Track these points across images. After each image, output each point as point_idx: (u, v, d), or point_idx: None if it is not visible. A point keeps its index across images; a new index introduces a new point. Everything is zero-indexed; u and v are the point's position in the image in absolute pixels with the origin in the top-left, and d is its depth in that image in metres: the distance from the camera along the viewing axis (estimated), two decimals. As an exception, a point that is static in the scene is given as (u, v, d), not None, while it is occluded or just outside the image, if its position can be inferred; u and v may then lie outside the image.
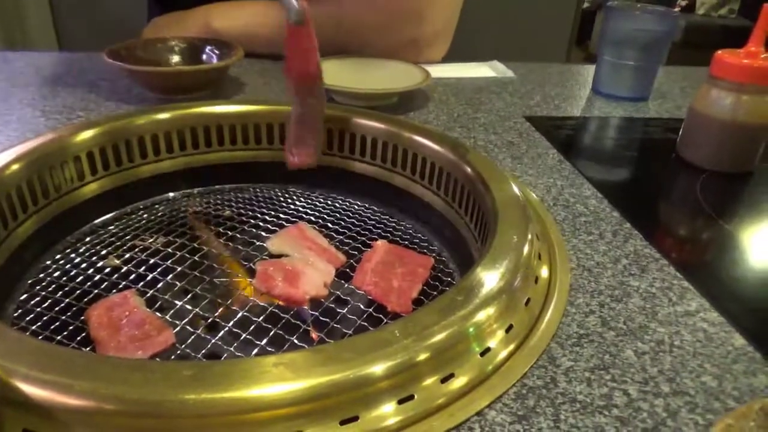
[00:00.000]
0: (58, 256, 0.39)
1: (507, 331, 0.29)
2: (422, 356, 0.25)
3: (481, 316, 0.28)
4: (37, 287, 0.36)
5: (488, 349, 0.28)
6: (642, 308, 0.33)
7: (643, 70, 0.71)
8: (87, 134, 0.42)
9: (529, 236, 0.34)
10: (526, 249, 0.33)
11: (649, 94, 0.73)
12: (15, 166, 0.37)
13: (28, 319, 0.33)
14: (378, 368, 0.24)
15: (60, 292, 0.35)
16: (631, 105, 0.70)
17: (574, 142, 0.58)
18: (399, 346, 0.25)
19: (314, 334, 0.35)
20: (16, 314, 0.34)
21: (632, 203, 0.46)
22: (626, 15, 0.69)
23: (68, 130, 0.42)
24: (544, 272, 0.35)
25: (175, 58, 0.65)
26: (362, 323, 0.34)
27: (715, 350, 0.30)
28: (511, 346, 0.29)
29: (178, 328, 0.32)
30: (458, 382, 0.26)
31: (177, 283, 0.35)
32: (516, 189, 0.39)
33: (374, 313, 0.35)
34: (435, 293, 0.37)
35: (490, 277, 0.30)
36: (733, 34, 3.18)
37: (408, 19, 0.74)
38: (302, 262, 0.38)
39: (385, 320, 0.34)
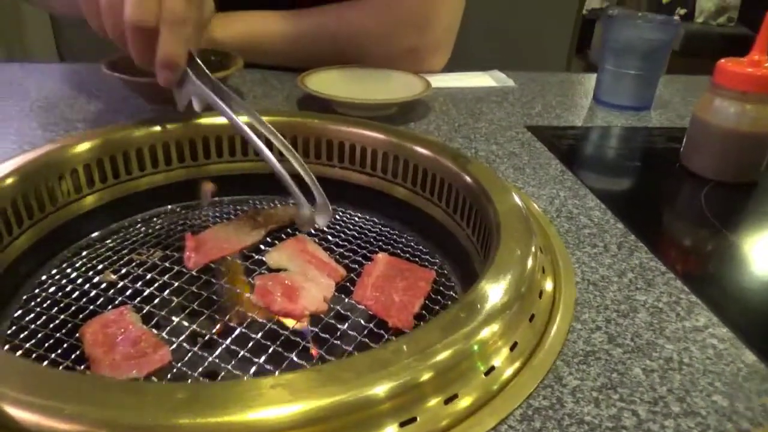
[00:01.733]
0: (54, 271, 0.38)
1: (512, 348, 0.28)
2: (425, 376, 0.24)
3: (486, 333, 0.27)
4: (32, 303, 0.35)
5: (493, 368, 0.27)
6: (649, 324, 0.32)
7: (644, 79, 0.71)
8: (84, 146, 0.41)
9: (533, 249, 0.33)
10: (530, 262, 0.32)
11: (651, 103, 0.73)
12: (10, 180, 0.36)
13: (22, 336, 0.32)
14: (379, 389, 0.23)
15: (55, 308, 0.34)
16: (632, 114, 0.70)
17: (576, 152, 0.57)
18: (401, 366, 0.24)
19: (314, 351, 0.34)
20: (9, 331, 0.33)
21: (637, 214, 0.45)
22: (627, 24, 0.69)
23: (65, 143, 0.41)
24: (548, 286, 0.34)
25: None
26: (363, 339, 0.33)
27: (726, 368, 0.30)
28: (516, 364, 0.28)
29: (174, 346, 0.31)
30: (462, 403, 0.25)
31: (174, 298, 0.35)
32: (518, 200, 0.38)
33: (375, 329, 0.34)
34: (437, 308, 0.37)
35: (493, 292, 0.29)
36: (732, 42, 3.19)
37: (408, 29, 0.74)
38: (301, 276, 0.37)
39: (386, 336, 0.34)
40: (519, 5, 1.39)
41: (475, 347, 0.26)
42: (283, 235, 0.42)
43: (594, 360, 0.29)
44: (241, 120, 0.40)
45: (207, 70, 0.43)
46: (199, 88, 0.42)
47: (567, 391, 0.27)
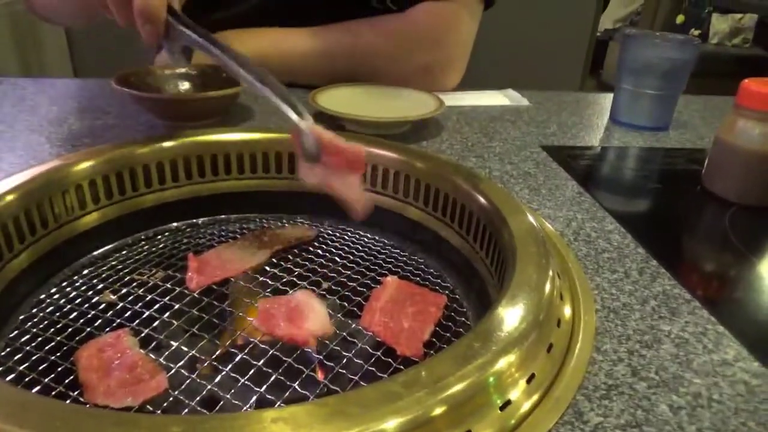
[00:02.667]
0: (53, 290, 0.37)
1: (529, 381, 0.26)
2: (437, 411, 0.23)
3: (502, 364, 0.25)
4: (29, 323, 0.34)
5: (509, 402, 0.25)
6: (675, 356, 0.30)
7: (663, 99, 0.69)
8: (90, 162, 0.40)
9: (551, 273, 0.32)
10: (547, 288, 0.31)
11: (670, 123, 0.71)
12: (11, 196, 0.36)
13: (16, 358, 0.31)
14: (388, 425, 0.22)
15: (52, 329, 0.33)
16: (651, 135, 0.68)
17: (593, 173, 0.56)
18: (411, 400, 0.23)
19: (320, 376, 0.33)
20: (3, 353, 0.32)
21: (658, 239, 0.44)
22: (646, 43, 0.68)
23: (71, 158, 0.40)
24: (567, 313, 0.32)
25: (186, 85, 0.65)
26: (369, 368, 0.32)
27: (759, 406, 0.28)
28: (534, 398, 0.26)
29: (172, 371, 0.30)
30: (476, 441, 0.23)
31: (174, 321, 0.33)
32: (534, 222, 0.37)
33: (383, 357, 0.32)
34: (447, 335, 0.35)
35: (509, 320, 0.28)
36: (747, 63, 3.17)
37: (422, 47, 0.74)
38: (306, 296, 0.36)
39: (394, 365, 0.32)
40: (533, 25, 1.39)
41: (491, 379, 0.25)
42: (289, 257, 0.41)
43: (617, 395, 0.27)
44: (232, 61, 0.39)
45: (189, 20, 0.43)
46: (184, 34, 0.42)
47: (589, 428, 0.25)
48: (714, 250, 0.44)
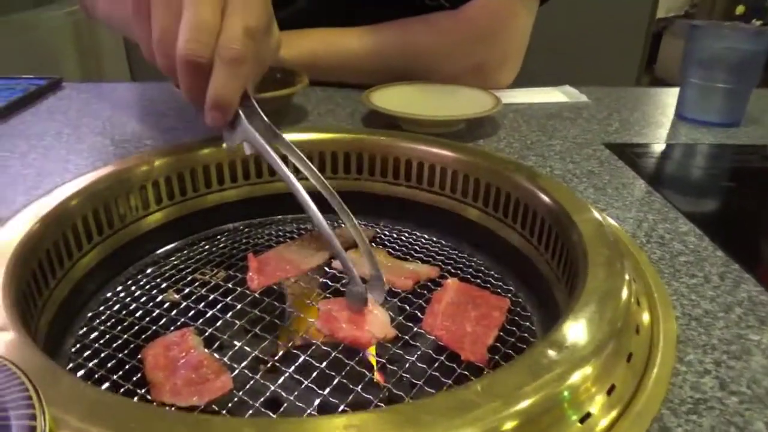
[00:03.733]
0: (119, 288, 0.38)
1: (608, 393, 0.25)
2: (514, 422, 0.22)
3: (580, 375, 0.24)
4: (96, 321, 0.35)
5: (588, 415, 0.24)
6: (767, 369, 0.28)
7: (734, 93, 0.65)
8: (153, 163, 0.41)
9: (626, 277, 0.30)
10: (624, 292, 0.29)
11: (741, 118, 0.67)
12: (81, 196, 0.37)
13: (85, 355, 0.32)
14: (463, 436, 0.21)
15: (119, 327, 0.34)
16: (721, 131, 0.64)
17: (661, 172, 0.53)
18: (487, 410, 0.21)
19: (381, 380, 0.32)
20: (73, 349, 0.32)
21: (738, 241, 0.41)
22: (715, 33, 0.64)
23: (135, 160, 0.41)
24: (645, 320, 0.30)
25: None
26: (433, 373, 0.31)
27: None
28: (614, 413, 0.25)
29: (236, 372, 0.30)
30: (555, 456, 0.22)
31: (236, 321, 0.33)
32: (604, 222, 0.35)
33: (446, 362, 0.31)
34: (512, 340, 0.34)
35: (585, 327, 0.26)
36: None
37: (476, 44, 0.72)
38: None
39: (458, 370, 0.31)
40: (586, 19, 1.35)
41: (569, 391, 0.23)
42: (348, 257, 0.41)
43: (706, 410, 0.25)
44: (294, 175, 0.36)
45: (262, 113, 0.38)
46: (251, 134, 0.37)
47: (677, 446, 0.24)
48: (801, 254, 0.41)
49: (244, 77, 0.37)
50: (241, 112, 0.38)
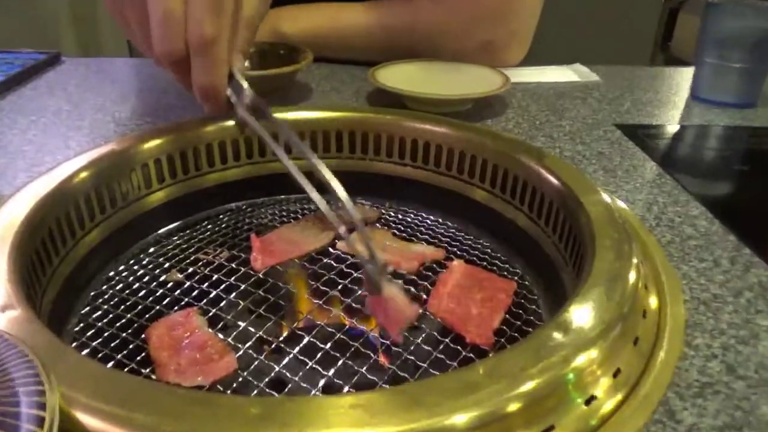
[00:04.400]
0: (122, 267, 0.38)
1: (614, 376, 0.25)
2: (519, 404, 0.22)
3: (586, 357, 0.24)
4: (100, 300, 0.35)
5: (593, 398, 0.24)
6: (776, 354, 0.28)
7: (750, 73, 0.65)
8: (155, 141, 0.41)
9: (635, 260, 0.30)
10: (632, 276, 0.29)
11: (757, 99, 0.66)
12: (84, 174, 0.37)
13: (89, 334, 0.32)
14: (469, 415, 0.21)
15: (122, 307, 0.34)
16: (736, 112, 0.64)
17: (673, 154, 0.53)
18: (492, 391, 0.22)
19: (385, 361, 0.32)
20: (77, 328, 0.33)
21: (749, 225, 0.41)
22: (732, 11, 0.63)
23: (137, 138, 0.41)
24: (652, 304, 0.31)
25: (246, 63, 0.65)
26: (438, 355, 0.31)
27: None
28: (619, 395, 0.25)
29: (240, 352, 0.30)
30: (558, 438, 0.23)
31: (240, 302, 0.34)
32: (613, 205, 0.35)
33: (451, 344, 0.32)
34: (518, 323, 0.34)
35: (591, 311, 0.26)
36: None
37: (485, 22, 0.71)
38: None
39: (463, 353, 0.31)
40: (599, -5, 1.33)
41: (575, 373, 0.24)
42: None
43: (712, 394, 0.26)
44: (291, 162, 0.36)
45: (249, 89, 0.39)
46: (243, 115, 0.39)
47: (683, 429, 0.24)
48: (814, 239, 0.41)
49: (222, 59, 0.37)
50: (233, 96, 0.38)
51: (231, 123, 0.44)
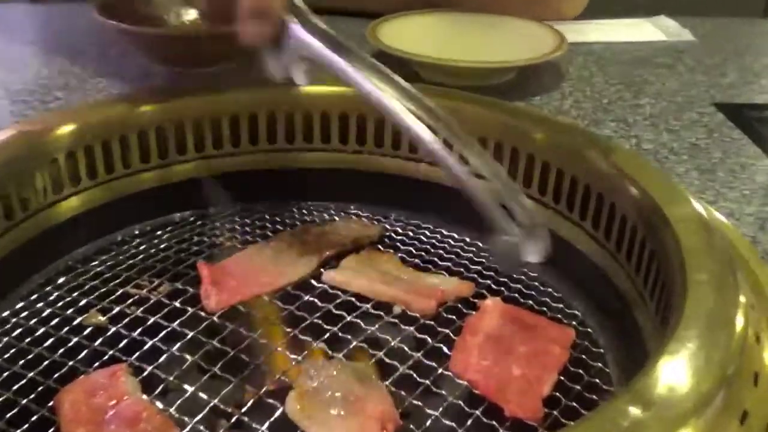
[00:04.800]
0: (20, 305, 0.39)
1: (713, 468, 0.26)
2: None
3: (674, 442, 0.25)
4: (-10, 352, 0.36)
5: (684, 500, 0.25)
6: None
7: None
8: (68, 128, 0.42)
9: (742, 300, 0.31)
10: (738, 324, 0.30)
11: None
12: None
13: (-25, 401, 0.33)
14: None
15: (21, 361, 0.35)
16: None
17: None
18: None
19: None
20: (-41, 393, 0.34)
21: None
22: None
23: (41, 123, 0.42)
24: (767, 362, 0.31)
25: (192, 16, 0.66)
26: (465, 435, 0.32)
27: None
28: (722, 496, 0.26)
29: (187, 429, 0.31)
30: None
31: (187, 356, 0.34)
32: (712, 223, 0.36)
33: (484, 418, 0.32)
34: (577, 387, 0.35)
35: (681, 374, 0.27)
36: None
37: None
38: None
39: (501, 430, 0.32)
40: None
41: (658, 466, 0.24)
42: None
43: None
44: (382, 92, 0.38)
45: (315, 19, 0.41)
46: (307, 46, 0.40)
47: None
48: None
49: None
50: (287, 19, 0.40)
51: (175, 102, 0.45)
